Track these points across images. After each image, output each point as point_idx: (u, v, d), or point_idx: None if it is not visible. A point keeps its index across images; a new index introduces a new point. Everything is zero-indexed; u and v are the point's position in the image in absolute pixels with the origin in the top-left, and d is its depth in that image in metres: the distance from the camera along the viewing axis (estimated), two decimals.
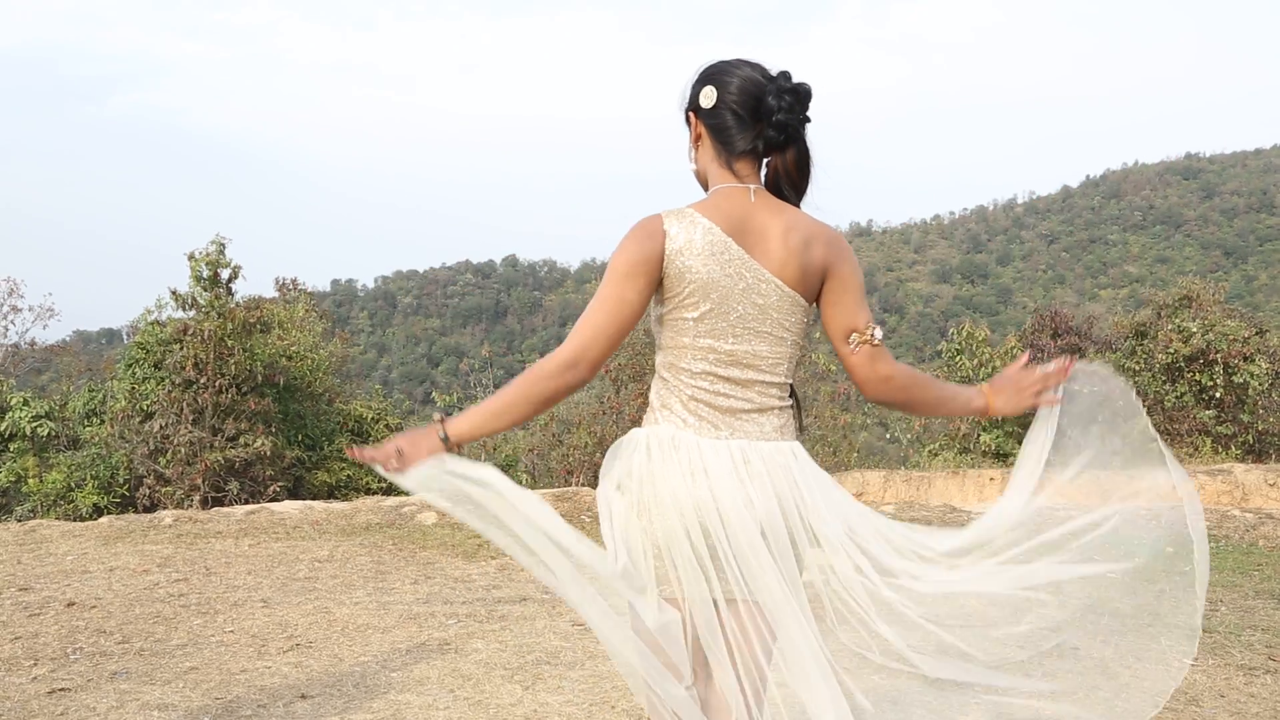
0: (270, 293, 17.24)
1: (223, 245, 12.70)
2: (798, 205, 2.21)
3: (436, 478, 2.17)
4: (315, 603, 5.55)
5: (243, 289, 13.25)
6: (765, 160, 2.18)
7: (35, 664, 4.48)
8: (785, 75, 2.14)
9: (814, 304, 2.21)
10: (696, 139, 2.23)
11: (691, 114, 2.22)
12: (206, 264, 12.65)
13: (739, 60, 2.18)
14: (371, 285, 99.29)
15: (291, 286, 18.68)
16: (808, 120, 2.16)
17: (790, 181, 2.18)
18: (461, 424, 2.16)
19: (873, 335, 2.20)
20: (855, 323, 2.20)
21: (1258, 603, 5.79)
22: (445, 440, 2.15)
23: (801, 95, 2.12)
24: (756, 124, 2.13)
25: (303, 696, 4.11)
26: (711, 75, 2.18)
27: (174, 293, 12.87)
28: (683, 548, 2.11)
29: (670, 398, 2.18)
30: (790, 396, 2.25)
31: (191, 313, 12.80)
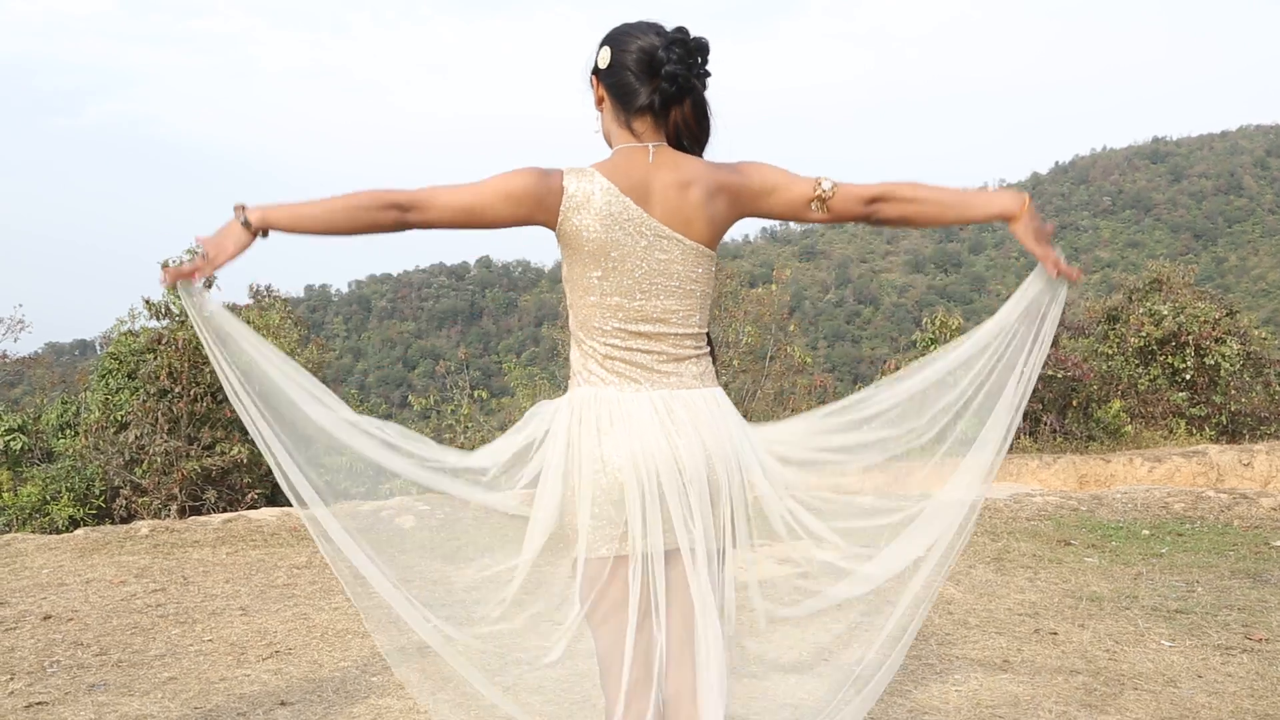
0: (245, 299, 17.06)
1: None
2: (700, 156, 2.23)
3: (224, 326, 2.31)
4: (294, 609, 5.53)
5: (217, 296, 13.02)
6: (669, 116, 2.19)
7: (12, 678, 4.44)
8: (679, 29, 2.16)
9: (715, 251, 2.23)
10: (599, 101, 2.26)
11: (593, 77, 2.25)
12: None
13: (640, 22, 2.20)
14: (345, 290, 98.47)
15: (266, 293, 18.52)
16: (706, 74, 2.18)
17: (690, 133, 2.21)
18: (272, 210, 2.13)
19: (825, 190, 2.20)
20: (802, 195, 2.21)
21: (1234, 583, 5.84)
22: (247, 225, 2.12)
23: (692, 47, 2.15)
24: (651, 80, 2.15)
25: (282, 703, 4.09)
26: (609, 37, 2.21)
27: (147, 301, 12.75)
28: (625, 500, 2.15)
29: (587, 359, 2.20)
30: (706, 344, 2.28)
31: (165, 321, 12.70)
